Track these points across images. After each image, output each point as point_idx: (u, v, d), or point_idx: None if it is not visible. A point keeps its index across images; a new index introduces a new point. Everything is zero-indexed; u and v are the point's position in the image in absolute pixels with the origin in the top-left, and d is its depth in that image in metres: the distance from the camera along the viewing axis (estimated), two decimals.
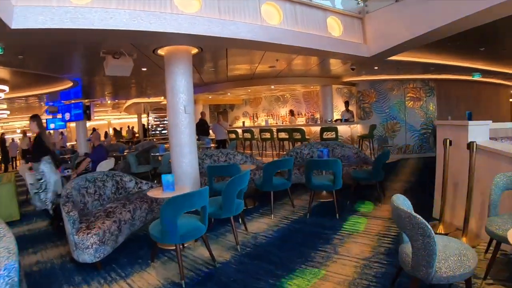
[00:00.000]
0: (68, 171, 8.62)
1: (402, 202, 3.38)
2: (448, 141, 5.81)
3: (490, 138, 5.82)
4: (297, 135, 13.95)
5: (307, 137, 14.08)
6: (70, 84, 12.34)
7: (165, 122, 24.79)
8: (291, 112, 19.02)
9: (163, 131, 25.40)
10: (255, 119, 22.02)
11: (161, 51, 7.80)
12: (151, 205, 6.49)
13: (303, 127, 14.41)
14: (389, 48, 8.29)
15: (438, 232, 5.69)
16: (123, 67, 8.02)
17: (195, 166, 7.89)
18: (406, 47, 8.31)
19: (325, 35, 8.18)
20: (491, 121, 5.86)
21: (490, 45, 9.59)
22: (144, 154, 12.99)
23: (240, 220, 6.57)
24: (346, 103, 15.67)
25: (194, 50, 8.01)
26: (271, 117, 21.03)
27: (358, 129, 15.17)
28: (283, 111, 20.80)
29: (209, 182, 7.14)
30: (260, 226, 6.64)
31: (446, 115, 14.09)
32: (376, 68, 12.23)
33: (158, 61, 8.71)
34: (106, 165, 9.28)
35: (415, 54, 10.29)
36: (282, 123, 19.23)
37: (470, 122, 5.61)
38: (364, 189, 8.60)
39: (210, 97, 20.93)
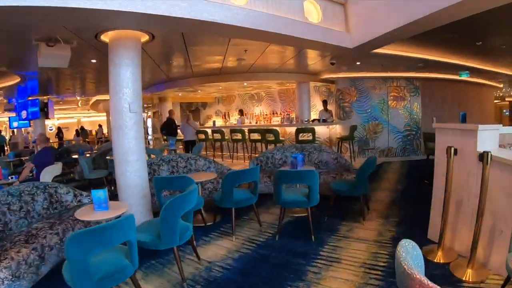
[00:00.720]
0: (13, 177, 7.45)
1: (412, 257, 2.08)
2: (452, 149, 4.61)
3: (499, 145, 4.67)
4: (270, 137, 12.86)
5: (281, 138, 13.06)
6: (17, 79, 11.00)
7: None
8: (240, 112, 18.07)
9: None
10: (227, 118, 20.72)
11: (104, 37, 6.43)
12: (88, 223, 5.16)
13: (277, 128, 13.35)
14: (375, 38, 7.05)
15: (437, 260, 4.57)
16: (59, 56, 6.64)
17: (144, 176, 6.52)
18: (393, 37, 7.08)
19: (301, 20, 6.91)
20: (501, 125, 4.69)
21: (488, 38, 8.57)
22: (103, 157, 11.89)
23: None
24: (324, 102, 14.51)
25: (144, 38, 6.73)
26: (245, 116, 19.59)
27: (337, 130, 14.11)
28: (258, 110, 19.56)
29: (158, 197, 5.85)
30: (218, 251, 5.34)
31: (431, 116, 13.44)
32: (358, 63, 11.10)
33: (106, 50, 7.25)
34: (51, 170, 8.11)
35: (402, 47, 9.21)
36: (256, 122, 17.90)
37: (481, 127, 4.41)
38: (344, 200, 7.33)
39: (180, 94, 19.68)
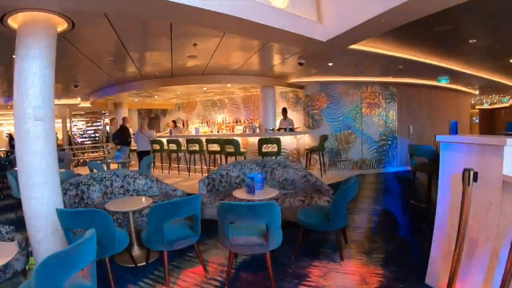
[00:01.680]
0: None
1: None
2: (471, 174, 3.20)
3: None
4: (230, 148, 11.35)
5: (242, 150, 11.58)
6: None
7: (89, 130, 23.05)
8: (174, 123, 17.15)
9: (86, 141, 23.17)
10: (185, 127, 19.14)
11: (12, 21, 4.82)
12: None
13: (238, 138, 11.91)
14: (352, 28, 5.57)
15: None
16: None
17: (57, 202, 4.82)
18: (373, 29, 5.64)
19: (263, 3, 5.38)
20: None
21: (485, 36, 7.30)
22: None
23: None
24: (284, 111, 13.13)
25: (62, 25, 5.28)
26: (206, 124, 18.10)
27: (305, 140, 12.75)
28: (220, 117, 18.01)
29: (66, 236, 4.20)
30: None
31: (408, 124, 12.28)
32: (330, 64, 9.70)
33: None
34: None
35: (382, 44, 7.84)
36: (218, 131, 16.26)
37: (509, 141, 3.02)
38: (315, 232, 5.86)
39: (136, 100, 18.01)
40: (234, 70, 10.71)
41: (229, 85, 13.15)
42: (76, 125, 23.33)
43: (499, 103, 26.95)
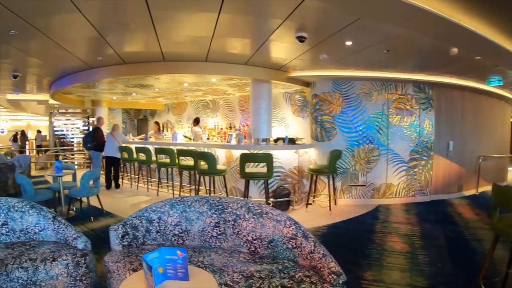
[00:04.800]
0: None
1: None
2: None
3: None
4: (203, 164, 8.28)
5: (221, 167, 8.46)
6: None
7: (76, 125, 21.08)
8: (157, 125, 15.04)
9: (71, 139, 20.93)
10: (165, 131, 16.46)
11: None
12: None
13: (213, 150, 9.23)
14: None
15: None
16: None
17: None
18: None
19: None
20: None
21: None
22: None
23: None
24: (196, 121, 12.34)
25: None
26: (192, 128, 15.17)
27: (311, 156, 9.59)
28: (212, 121, 15.11)
29: None
30: None
31: (447, 139, 10.27)
32: (348, 44, 6.44)
33: None
34: None
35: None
36: (208, 139, 12.97)
37: None
38: None
39: (114, 98, 15.67)
40: (217, 54, 7.91)
41: (213, 79, 10.20)
42: (57, 126, 21.03)
43: None
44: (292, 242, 3.67)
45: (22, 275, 3.72)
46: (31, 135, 27.01)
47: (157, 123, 15.13)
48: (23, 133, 24.66)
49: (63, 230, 4.40)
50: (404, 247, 5.87)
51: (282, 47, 7.11)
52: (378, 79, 9.24)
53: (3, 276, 3.66)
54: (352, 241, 6.30)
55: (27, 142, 24.24)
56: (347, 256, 5.35)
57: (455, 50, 6.18)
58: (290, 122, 12.15)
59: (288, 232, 3.71)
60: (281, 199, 8.35)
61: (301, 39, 5.84)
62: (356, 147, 9.41)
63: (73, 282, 3.81)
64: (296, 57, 7.73)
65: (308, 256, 3.52)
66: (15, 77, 10.09)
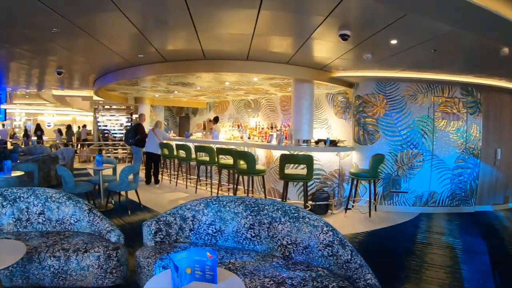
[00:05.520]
0: None
1: None
2: None
3: None
4: (242, 164, 8.18)
5: (261, 167, 8.36)
6: None
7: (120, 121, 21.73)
8: (215, 121, 14.75)
9: (114, 134, 21.52)
10: (206, 131, 16.40)
11: None
12: None
13: (253, 149, 9.16)
14: None
15: None
16: None
17: None
18: None
19: None
20: None
21: None
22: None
23: None
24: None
25: None
26: (237, 128, 15.07)
27: (352, 159, 9.33)
28: (254, 121, 15.01)
29: None
30: None
31: (495, 146, 9.66)
32: (393, 43, 6.13)
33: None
34: None
35: None
36: (249, 138, 13.08)
37: None
38: None
39: (156, 95, 15.84)
40: (257, 54, 7.81)
41: (255, 79, 10.05)
42: (101, 121, 21.73)
43: None
44: (328, 249, 3.52)
45: (54, 264, 3.79)
46: (76, 129, 27.68)
47: (213, 119, 15.19)
48: (69, 127, 25.34)
49: (98, 222, 4.45)
50: (445, 260, 5.59)
51: (325, 46, 6.88)
52: (423, 81, 8.87)
53: (36, 264, 3.74)
54: (390, 250, 6.07)
55: (72, 136, 24.89)
56: (384, 266, 5.14)
57: (506, 50, 5.85)
58: (332, 124, 11.88)
59: (325, 239, 3.57)
60: (320, 203, 8.16)
61: (344, 37, 5.60)
62: (400, 151, 9.06)
63: (103, 274, 3.85)
64: (339, 56, 7.47)
65: (344, 265, 3.38)
66: (59, 73, 10.31)
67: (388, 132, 9.08)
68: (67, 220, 4.62)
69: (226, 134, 14.19)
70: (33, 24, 5.94)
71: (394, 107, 9.06)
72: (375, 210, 8.51)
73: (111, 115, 21.62)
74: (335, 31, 5.63)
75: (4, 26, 6.07)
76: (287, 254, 3.80)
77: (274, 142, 9.18)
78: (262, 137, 12.86)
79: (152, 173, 11.88)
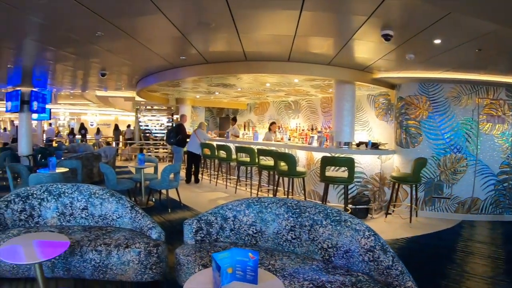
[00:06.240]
0: None
1: None
2: None
3: None
4: (283, 165, 8.19)
5: (301, 169, 8.31)
6: None
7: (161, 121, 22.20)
8: (234, 121, 15.64)
9: (155, 134, 22.05)
10: (246, 131, 16.50)
11: None
12: None
13: (293, 151, 9.13)
14: None
15: None
16: None
17: None
18: None
19: None
20: None
21: None
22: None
23: None
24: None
25: None
26: (277, 129, 15.05)
27: (393, 163, 9.15)
28: (294, 123, 15.00)
29: None
30: None
31: None
32: (437, 42, 5.97)
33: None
34: None
35: None
36: (290, 140, 13.11)
37: None
38: None
39: (197, 96, 16.06)
40: (299, 56, 7.81)
41: (296, 80, 10.04)
42: (142, 121, 22.43)
43: None
44: (369, 254, 3.49)
45: (95, 258, 3.93)
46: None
47: (234, 118, 15.56)
48: (116, 127, 26.54)
49: (140, 219, 4.58)
50: (487, 270, 5.40)
51: (367, 47, 6.81)
52: (468, 82, 8.59)
53: (77, 256, 3.89)
54: (431, 258, 5.89)
55: (120, 135, 25.79)
56: (424, 274, 5.02)
57: None
58: (373, 126, 11.74)
59: (366, 243, 3.54)
60: (360, 206, 8.05)
61: (387, 37, 5.51)
62: (443, 155, 8.80)
63: (143, 270, 3.94)
64: (381, 57, 7.36)
65: (385, 271, 3.34)
66: (103, 75, 10.60)
67: (431, 135, 8.84)
68: (110, 216, 4.80)
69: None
70: (78, 27, 6.15)
71: (437, 109, 8.81)
72: (416, 215, 8.30)
73: (152, 116, 22.13)
74: (377, 31, 5.55)
75: (49, 30, 6.29)
76: (327, 257, 3.79)
77: (315, 144, 9.16)
78: (303, 138, 12.84)
79: (192, 173, 12.10)
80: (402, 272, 3.25)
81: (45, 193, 4.89)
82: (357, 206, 8.03)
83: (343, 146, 8.70)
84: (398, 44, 6.25)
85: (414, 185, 8.14)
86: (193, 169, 12.11)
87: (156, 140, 21.51)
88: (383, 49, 6.68)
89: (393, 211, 8.63)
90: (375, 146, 8.69)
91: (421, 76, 8.56)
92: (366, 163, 8.43)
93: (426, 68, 8.11)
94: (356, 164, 7.48)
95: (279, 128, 14.70)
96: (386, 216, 8.31)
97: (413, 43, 6.16)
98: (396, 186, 8.35)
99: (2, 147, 16.12)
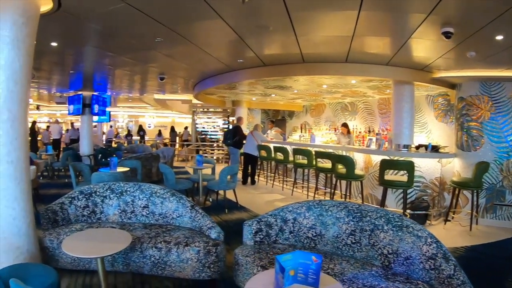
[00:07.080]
0: None
1: None
2: None
3: None
4: (341, 168, 8.19)
5: (359, 172, 8.29)
6: None
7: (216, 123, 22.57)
8: (272, 123, 15.41)
9: (211, 136, 22.45)
10: (303, 133, 16.43)
11: None
12: None
13: (352, 154, 9.02)
14: None
15: None
16: None
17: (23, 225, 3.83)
18: None
19: None
20: None
21: None
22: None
23: None
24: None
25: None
26: (334, 132, 15.04)
27: (454, 167, 8.85)
28: (351, 125, 14.67)
29: None
30: None
31: None
32: (499, 39, 5.74)
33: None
34: None
35: None
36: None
37: None
38: None
39: (254, 98, 16.09)
40: (351, 55, 7.63)
41: (353, 81, 9.99)
42: (199, 123, 22.88)
43: None
44: (431, 262, 3.45)
45: (155, 254, 4.11)
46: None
47: (272, 121, 15.75)
48: (172, 129, 27.13)
49: (199, 219, 4.72)
50: None
51: (426, 45, 6.65)
52: None
53: (138, 252, 4.09)
54: (491, 269, 5.67)
55: (177, 137, 26.55)
56: (484, 285, 4.81)
57: None
58: (432, 128, 11.42)
59: (428, 251, 3.50)
60: (418, 212, 7.82)
61: (447, 35, 5.37)
62: (506, 159, 8.36)
63: (201, 268, 4.06)
64: (440, 55, 7.15)
65: (446, 280, 3.31)
66: (161, 79, 10.99)
67: (494, 137, 8.46)
68: (170, 214, 5.00)
69: (323, 138, 14.19)
70: (137, 34, 6.40)
71: (500, 110, 8.41)
72: (476, 223, 7.99)
73: (208, 118, 22.56)
74: (437, 29, 5.43)
75: (109, 37, 6.60)
76: (387, 264, 3.78)
77: (373, 146, 9.09)
78: (360, 141, 12.72)
79: (249, 174, 12.24)
80: (464, 282, 3.20)
81: (108, 191, 5.20)
82: (415, 212, 7.81)
83: (402, 149, 8.56)
84: (458, 42, 6.05)
85: (475, 191, 7.84)
86: (249, 171, 12.24)
87: (212, 141, 21.92)
88: (443, 47, 6.49)
89: (452, 217, 8.30)
90: (435, 149, 8.49)
91: (482, 75, 8.21)
92: (426, 166, 8.24)
93: (487, 66, 7.77)
94: (415, 168, 7.34)
95: (335, 130, 14.70)
96: (445, 223, 8.01)
97: (474, 40, 5.95)
98: (457, 192, 8.09)
99: (65, 147, 17.16)
